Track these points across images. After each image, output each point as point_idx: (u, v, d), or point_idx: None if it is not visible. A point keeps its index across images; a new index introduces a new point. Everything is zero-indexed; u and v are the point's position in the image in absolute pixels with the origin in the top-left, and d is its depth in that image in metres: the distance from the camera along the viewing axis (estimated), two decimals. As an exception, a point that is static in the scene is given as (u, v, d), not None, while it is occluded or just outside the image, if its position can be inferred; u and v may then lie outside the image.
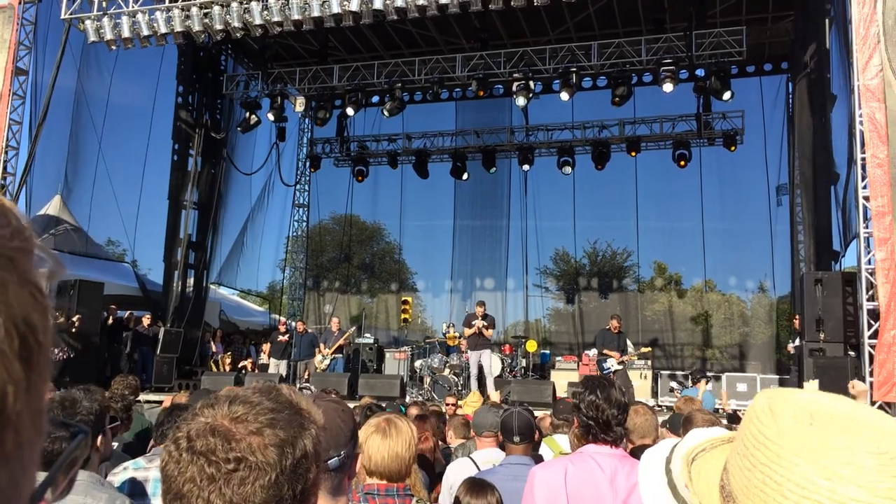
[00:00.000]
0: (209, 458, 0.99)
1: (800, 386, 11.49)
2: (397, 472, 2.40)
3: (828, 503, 0.74)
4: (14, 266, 0.44)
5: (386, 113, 17.04)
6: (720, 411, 11.51)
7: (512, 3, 12.13)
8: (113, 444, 3.74)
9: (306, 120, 22.10)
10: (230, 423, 1.02)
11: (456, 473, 3.84)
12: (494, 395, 11.05)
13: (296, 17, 12.99)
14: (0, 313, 0.41)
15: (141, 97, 18.17)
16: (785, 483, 0.78)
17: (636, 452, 3.35)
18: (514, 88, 16.01)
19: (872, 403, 9.60)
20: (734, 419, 8.27)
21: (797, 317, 12.43)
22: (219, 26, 13.36)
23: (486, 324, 13.03)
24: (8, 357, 0.41)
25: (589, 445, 2.74)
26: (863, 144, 10.19)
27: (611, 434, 2.73)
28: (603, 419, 2.73)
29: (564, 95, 15.76)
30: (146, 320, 15.70)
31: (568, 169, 19.28)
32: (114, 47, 14.19)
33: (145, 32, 13.56)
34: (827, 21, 13.30)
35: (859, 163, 10.32)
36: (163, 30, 13.56)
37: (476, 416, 4.44)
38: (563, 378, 14.18)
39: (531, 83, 15.86)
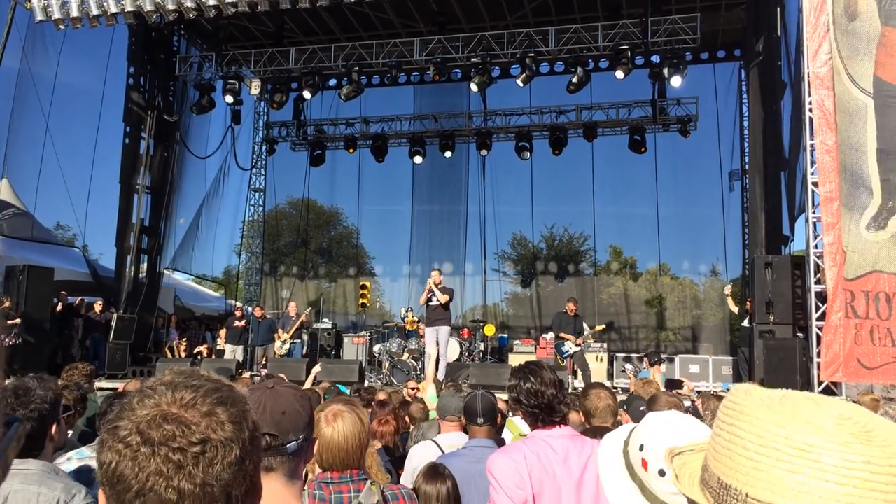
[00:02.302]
0: (170, 445, 0.97)
1: (749, 365, 11.79)
2: (347, 462, 2.41)
3: (784, 449, 0.78)
4: None
5: (343, 97, 16.88)
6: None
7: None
8: (68, 432, 3.67)
9: (262, 103, 21.80)
10: (180, 410, 1.00)
11: (419, 456, 3.87)
12: (430, 376, 10.34)
13: (251, -3, 12.79)
14: None
15: (90, 78, 17.76)
16: (746, 436, 0.81)
17: (596, 433, 3.40)
18: (471, 73, 16.00)
19: (819, 384, 9.91)
20: (673, 385, 8.48)
21: (749, 300, 12.73)
22: (171, 6, 13.08)
23: (440, 285, 12.37)
24: None
25: (537, 430, 2.78)
26: (812, 131, 10.44)
27: (556, 415, 2.77)
28: (545, 402, 2.77)
29: (521, 81, 15.80)
30: (98, 306, 15.38)
31: (526, 154, 19.38)
32: (62, 27, 13.80)
33: (94, 12, 13.23)
34: (778, 9, 13.55)
35: (808, 149, 10.58)
36: (113, 9, 13.24)
37: (441, 399, 4.47)
38: (521, 361, 14.30)
39: (489, 68, 15.87)
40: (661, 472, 1.48)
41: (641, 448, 1.57)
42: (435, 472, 3.08)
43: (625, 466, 1.61)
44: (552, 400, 2.75)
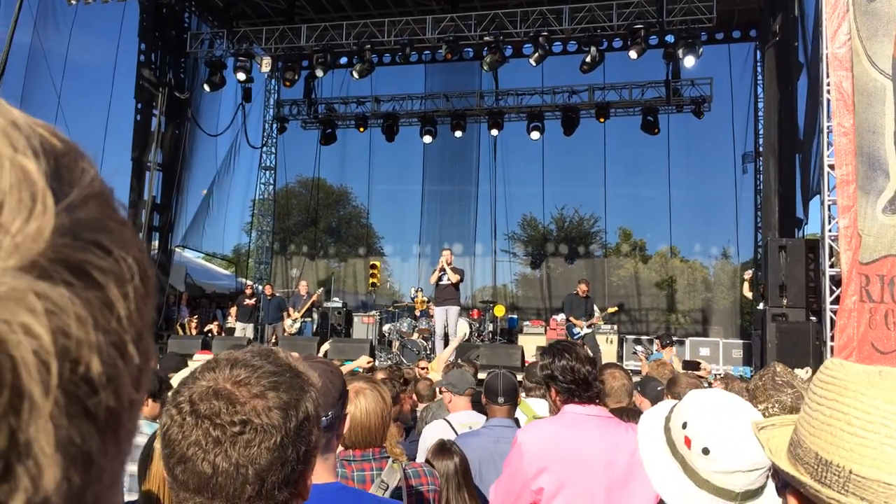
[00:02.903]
0: (214, 421, 0.99)
1: (762, 348, 11.75)
2: (370, 440, 2.41)
3: (894, 426, 0.75)
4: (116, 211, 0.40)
5: (356, 74, 16.75)
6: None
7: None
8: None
9: (273, 81, 21.71)
10: (233, 387, 1.02)
11: (433, 436, 3.86)
12: (442, 359, 10.24)
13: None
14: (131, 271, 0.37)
15: (101, 55, 17.73)
16: (851, 412, 0.79)
17: (614, 414, 3.38)
18: (483, 52, 15.87)
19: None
20: (689, 366, 8.43)
21: (763, 284, 12.65)
22: (183, -18, 13.00)
23: (451, 265, 12.34)
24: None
25: (570, 405, 2.76)
26: (829, 113, 10.32)
27: (592, 389, 2.76)
28: (580, 377, 2.76)
29: (533, 61, 15.67)
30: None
31: (536, 134, 19.26)
32: (73, 2, 13.74)
33: (106, -13, 13.16)
34: (796, -11, 13.36)
35: (825, 131, 10.46)
36: (125, -15, 13.17)
37: (452, 376, 4.47)
38: (531, 342, 14.30)
39: (502, 47, 15.74)
40: (706, 451, 1.46)
41: (685, 426, 1.55)
42: (443, 448, 3.08)
43: (666, 443, 1.59)
44: (588, 375, 2.73)
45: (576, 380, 2.76)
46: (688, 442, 1.51)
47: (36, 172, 0.34)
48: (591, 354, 2.92)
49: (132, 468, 2.98)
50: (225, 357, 1.08)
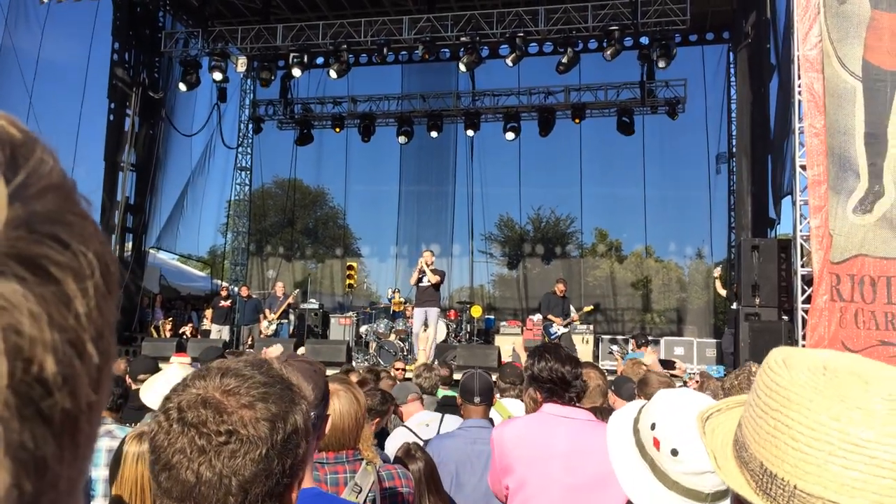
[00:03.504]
0: (200, 429, 0.98)
1: (735, 348, 11.87)
2: (343, 442, 2.40)
3: (838, 444, 0.75)
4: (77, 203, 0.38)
5: (334, 74, 16.68)
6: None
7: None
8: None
9: (248, 81, 21.56)
10: (222, 396, 1.01)
11: (395, 446, 3.88)
12: (421, 358, 10.38)
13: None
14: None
15: (74, 54, 17.46)
16: (796, 427, 0.79)
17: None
18: (460, 53, 15.89)
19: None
20: (665, 365, 8.48)
21: (736, 283, 12.78)
22: (157, -19, 12.88)
23: (432, 266, 12.31)
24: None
25: (548, 405, 2.78)
26: (801, 114, 10.46)
27: (571, 390, 2.78)
28: (559, 377, 2.78)
29: (510, 61, 15.71)
30: (82, 285, 15.21)
31: (511, 135, 19.32)
32: (45, 0, 13.55)
33: (78, -15, 13.00)
34: (768, -9, 13.51)
35: (797, 132, 10.60)
36: (97, -17, 13.01)
37: (394, 390, 4.53)
38: (508, 343, 14.32)
39: (478, 47, 15.76)
40: (674, 452, 1.47)
41: (653, 427, 1.55)
42: (407, 453, 3.08)
43: (635, 445, 1.60)
44: (566, 375, 2.76)
45: (553, 379, 2.78)
46: (656, 443, 1.52)
47: None
48: (573, 356, 2.94)
49: (104, 473, 2.94)
50: (217, 365, 1.07)
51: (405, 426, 4.15)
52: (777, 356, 0.87)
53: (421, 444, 3.29)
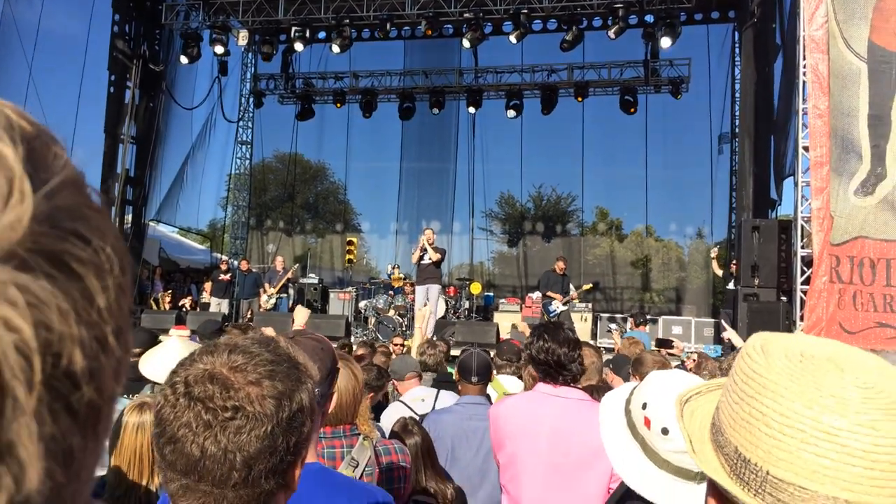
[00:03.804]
0: (206, 404, 1.00)
1: (732, 327, 11.90)
2: (340, 417, 2.41)
3: (811, 431, 0.76)
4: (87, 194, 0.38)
5: (337, 48, 16.55)
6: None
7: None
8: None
9: (249, 55, 21.43)
10: (229, 372, 1.02)
11: (391, 420, 3.90)
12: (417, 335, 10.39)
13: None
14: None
15: (75, 25, 17.29)
16: (770, 413, 0.80)
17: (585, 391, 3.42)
18: (463, 29, 15.76)
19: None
20: (662, 344, 8.45)
21: (734, 263, 12.79)
22: (158, -49, 12.75)
23: (433, 244, 12.41)
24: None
25: (541, 384, 2.79)
26: (805, 95, 10.40)
27: (566, 372, 2.79)
28: (554, 359, 2.79)
29: (514, 38, 15.60)
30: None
31: (512, 112, 19.22)
32: (44, -30, 13.43)
33: (78, -45, 12.87)
34: (775, -30, 13.40)
35: (800, 113, 10.55)
36: (97, -47, 12.88)
37: (393, 365, 4.53)
38: (507, 320, 14.38)
39: (482, 24, 15.64)
40: (665, 431, 1.48)
41: (644, 406, 1.57)
42: (404, 428, 3.10)
43: (626, 425, 1.61)
44: (562, 357, 2.76)
45: (549, 361, 2.79)
46: (647, 423, 1.53)
47: (12, 157, 0.32)
48: (573, 337, 2.94)
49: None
50: (225, 342, 1.09)
51: (401, 401, 4.17)
52: (755, 342, 0.88)
53: (417, 418, 3.32)
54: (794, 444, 0.77)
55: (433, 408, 3.93)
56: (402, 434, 3.04)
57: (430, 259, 12.27)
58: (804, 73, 10.39)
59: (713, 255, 14.46)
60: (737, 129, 17.16)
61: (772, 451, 0.79)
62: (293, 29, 16.36)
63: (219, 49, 16.90)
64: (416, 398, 4.09)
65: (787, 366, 0.81)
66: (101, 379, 0.35)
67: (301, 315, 5.01)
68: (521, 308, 15.50)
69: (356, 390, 2.46)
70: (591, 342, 13.36)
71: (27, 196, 0.32)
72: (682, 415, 0.99)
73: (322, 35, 19.52)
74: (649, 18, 16.58)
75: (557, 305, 12.75)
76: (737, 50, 17.85)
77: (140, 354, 3.57)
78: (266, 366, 1.04)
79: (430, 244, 12.31)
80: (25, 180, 0.32)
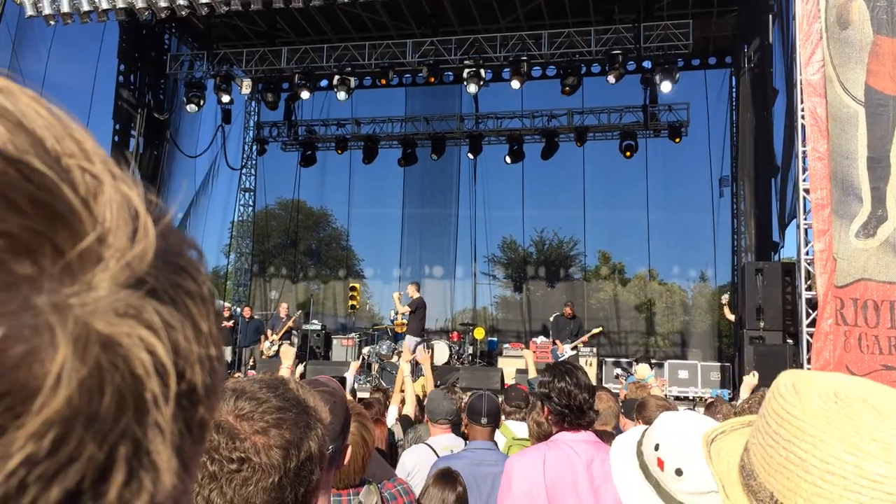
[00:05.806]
0: (212, 455, 0.96)
1: (740, 374, 11.80)
2: (347, 482, 2.36)
3: (853, 479, 0.74)
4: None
5: (343, 95, 16.76)
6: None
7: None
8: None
9: (252, 102, 21.70)
10: (235, 420, 0.99)
11: (413, 460, 3.81)
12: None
13: (244, -4, 12.73)
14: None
15: (80, 75, 17.61)
16: (809, 459, 0.77)
17: (602, 437, 3.37)
18: (464, 75, 15.98)
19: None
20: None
21: (738, 308, 12.73)
22: (163, 3, 13.00)
23: (401, 301, 13.44)
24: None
25: (562, 433, 2.73)
26: (804, 138, 10.48)
27: (585, 418, 2.73)
28: (576, 404, 2.72)
29: (515, 84, 15.80)
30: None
31: (510, 159, 19.36)
32: (52, 23, 13.68)
33: (85, 8, 13.13)
34: (770, 16, 13.62)
35: (800, 156, 10.62)
36: (104, 6, 13.14)
37: (430, 402, 4.41)
38: (511, 365, 14.28)
39: (482, 71, 15.87)
40: (679, 472, 1.46)
41: (657, 448, 1.54)
42: (448, 477, 3.00)
43: (639, 467, 1.59)
44: (583, 403, 2.70)
45: (570, 405, 2.72)
46: (661, 464, 1.51)
47: (137, 199, 0.36)
48: (591, 384, 2.87)
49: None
50: (231, 386, 1.05)
51: (428, 444, 4.06)
52: (787, 381, 0.86)
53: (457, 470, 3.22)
54: (836, 492, 0.74)
55: None
56: (443, 482, 2.93)
57: (403, 315, 13.33)
58: (802, 117, 10.48)
59: (724, 300, 14.30)
60: (737, 173, 17.27)
61: (812, 499, 0.76)
62: (296, 77, 16.60)
63: (224, 98, 17.13)
64: (445, 446, 3.96)
65: (822, 407, 0.79)
66: (213, 399, 0.38)
67: (287, 356, 4.97)
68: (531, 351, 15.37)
69: (366, 456, 2.42)
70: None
71: (150, 233, 0.35)
72: (710, 456, 0.96)
73: (324, 83, 19.82)
74: (647, 64, 16.81)
75: (565, 350, 12.69)
76: (734, 94, 18.07)
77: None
78: (273, 413, 1.00)
79: (397, 302, 13.33)
80: (149, 219, 0.36)
